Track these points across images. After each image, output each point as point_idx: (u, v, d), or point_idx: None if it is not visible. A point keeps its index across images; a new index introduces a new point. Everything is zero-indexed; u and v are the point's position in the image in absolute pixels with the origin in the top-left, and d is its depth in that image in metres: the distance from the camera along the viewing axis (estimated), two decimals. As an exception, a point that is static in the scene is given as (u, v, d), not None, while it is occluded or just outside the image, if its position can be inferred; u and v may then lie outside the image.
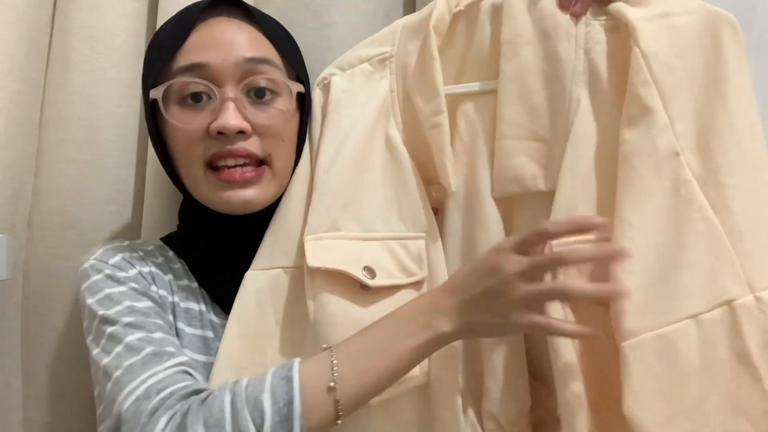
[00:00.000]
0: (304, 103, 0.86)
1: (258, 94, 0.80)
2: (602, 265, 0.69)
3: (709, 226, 0.68)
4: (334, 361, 0.67)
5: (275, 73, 0.81)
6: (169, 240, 0.89)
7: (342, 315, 0.74)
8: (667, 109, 0.69)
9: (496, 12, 0.79)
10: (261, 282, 0.81)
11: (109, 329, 0.73)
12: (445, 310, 0.69)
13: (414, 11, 1.00)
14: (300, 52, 0.89)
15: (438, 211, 0.81)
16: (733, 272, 0.67)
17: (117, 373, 0.69)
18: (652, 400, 0.65)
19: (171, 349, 0.72)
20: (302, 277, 0.78)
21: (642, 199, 0.68)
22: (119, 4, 1.02)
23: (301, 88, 0.84)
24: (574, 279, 0.70)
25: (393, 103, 0.83)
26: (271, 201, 0.82)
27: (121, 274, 0.79)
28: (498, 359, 0.76)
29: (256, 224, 0.83)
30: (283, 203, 0.83)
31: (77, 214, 1.00)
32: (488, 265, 0.68)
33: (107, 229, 1.01)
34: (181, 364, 0.70)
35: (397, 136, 0.81)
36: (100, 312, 0.74)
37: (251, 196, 0.80)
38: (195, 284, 0.85)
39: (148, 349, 0.70)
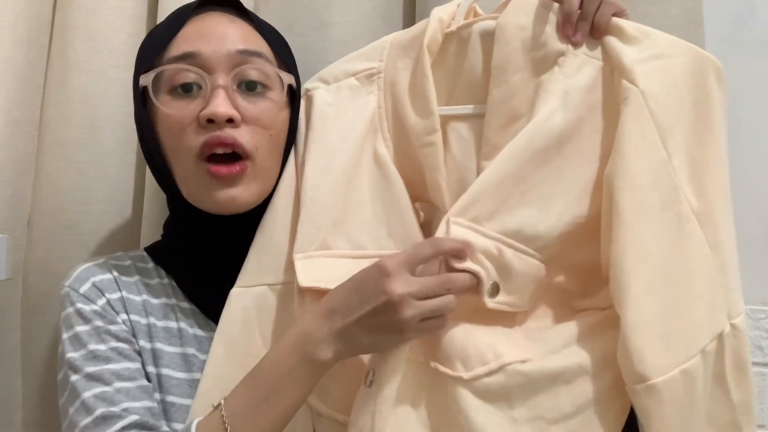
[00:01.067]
0: (294, 100, 0.86)
1: (249, 87, 0.80)
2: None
3: (709, 262, 0.71)
4: (225, 419, 0.68)
5: (267, 66, 0.81)
6: (152, 250, 0.88)
7: None
8: (666, 145, 0.71)
9: (488, 36, 0.79)
10: (247, 300, 0.80)
11: (72, 378, 0.76)
12: (324, 337, 0.68)
13: (413, 12, 1.00)
14: (291, 51, 0.89)
15: (424, 228, 0.80)
16: (723, 306, 0.71)
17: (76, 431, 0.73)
18: None
19: (125, 404, 0.73)
20: (289, 293, 0.77)
21: (655, 231, 0.69)
22: (119, 4, 1.02)
23: (292, 79, 0.84)
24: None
25: (381, 119, 0.82)
26: (257, 202, 0.81)
27: (88, 309, 0.79)
28: None
29: (241, 229, 0.82)
30: (268, 217, 0.82)
31: (77, 214, 1.00)
32: (373, 285, 0.67)
33: (107, 229, 1.01)
34: (128, 426, 0.71)
35: (385, 153, 0.81)
36: (68, 355, 0.77)
37: (236, 194, 0.79)
38: (173, 300, 0.84)
39: (99, 411, 0.72)
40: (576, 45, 0.74)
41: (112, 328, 0.79)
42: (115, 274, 0.83)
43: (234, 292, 0.80)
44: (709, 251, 0.71)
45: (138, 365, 0.78)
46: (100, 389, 0.74)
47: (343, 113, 0.83)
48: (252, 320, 0.80)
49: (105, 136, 1.01)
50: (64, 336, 0.79)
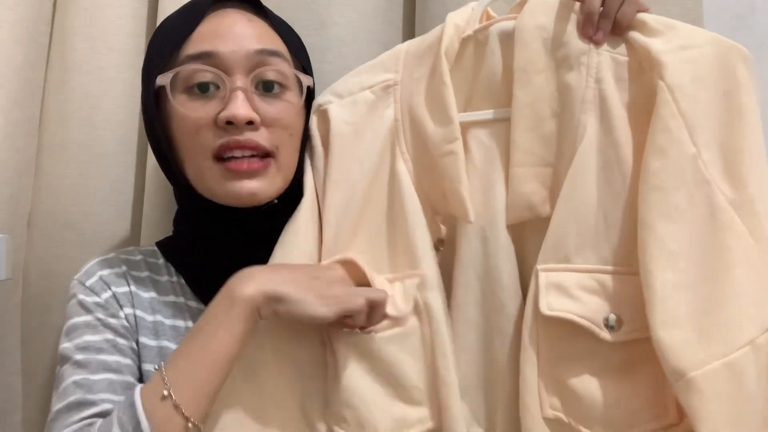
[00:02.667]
0: (311, 99, 0.85)
1: (267, 87, 0.79)
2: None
3: (752, 253, 0.69)
4: (164, 372, 0.68)
5: (285, 66, 0.80)
6: (163, 246, 0.88)
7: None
8: (694, 139, 0.69)
9: (507, 37, 0.77)
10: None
11: (62, 367, 0.76)
12: (249, 277, 0.70)
13: (413, 12, 1.00)
14: (305, 48, 0.89)
15: (444, 242, 0.79)
16: None
17: (49, 417, 0.73)
18: (724, 429, 0.65)
19: (103, 395, 0.73)
20: None
21: (682, 229, 0.68)
22: (119, 4, 1.02)
23: (310, 81, 0.83)
24: None
25: (398, 133, 0.80)
26: (275, 195, 0.81)
27: (90, 300, 0.79)
28: (513, 391, 0.74)
29: (254, 224, 0.81)
30: (289, 233, 0.80)
31: (77, 214, 1.00)
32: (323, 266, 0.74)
33: (107, 229, 1.01)
34: (96, 414, 0.71)
35: (403, 169, 0.79)
36: (62, 345, 0.78)
37: (257, 187, 0.78)
38: (181, 299, 0.83)
39: (74, 397, 0.72)
40: (598, 44, 0.73)
41: (112, 321, 0.78)
42: (125, 269, 0.83)
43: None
44: (753, 242, 0.69)
45: (129, 361, 0.77)
46: (82, 376, 0.74)
47: (362, 135, 0.81)
48: (263, 335, 0.76)
49: (105, 136, 1.01)
50: (66, 325, 0.79)
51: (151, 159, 1.00)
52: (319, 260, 0.80)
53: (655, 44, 0.71)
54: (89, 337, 0.77)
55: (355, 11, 0.97)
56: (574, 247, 0.72)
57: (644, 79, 0.72)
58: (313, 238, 0.81)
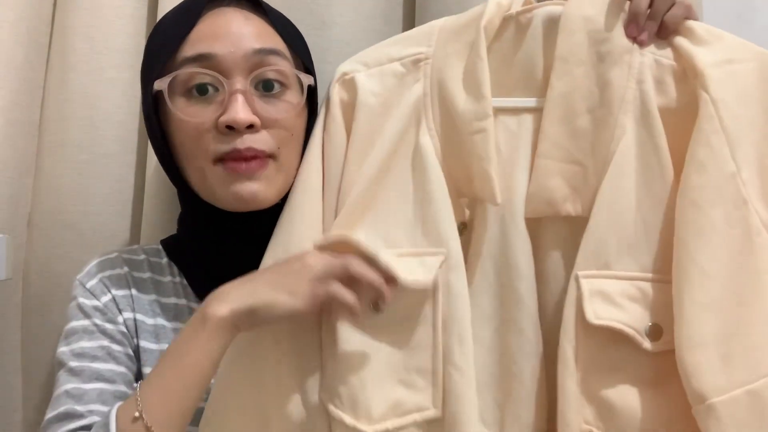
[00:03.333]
0: (312, 97, 0.84)
1: (267, 87, 0.78)
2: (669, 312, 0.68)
3: None
4: (138, 393, 0.68)
5: (284, 65, 0.79)
6: (167, 245, 0.88)
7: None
8: (735, 156, 0.68)
9: (551, 23, 0.75)
10: None
11: (58, 372, 0.77)
12: (222, 296, 0.68)
13: (413, 12, 1.00)
14: (306, 44, 0.88)
15: (467, 226, 0.77)
16: None
17: (42, 425, 0.74)
18: None
19: (92, 406, 0.73)
20: None
21: (716, 248, 0.67)
22: (119, 4, 1.02)
23: (311, 80, 0.82)
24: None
25: (426, 108, 0.77)
26: (277, 199, 0.79)
27: (90, 304, 0.79)
28: (523, 390, 0.73)
29: (258, 228, 0.80)
30: (286, 216, 0.78)
31: (77, 214, 1.00)
32: (289, 259, 0.71)
33: (107, 229, 1.01)
34: (82, 427, 0.71)
35: (428, 143, 0.75)
36: (59, 349, 0.78)
37: (257, 189, 0.77)
38: (183, 301, 0.83)
39: (63, 408, 0.73)
40: (642, 45, 0.72)
41: (109, 326, 0.78)
42: (127, 270, 0.83)
43: None
44: None
45: (123, 369, 0.77)
46: (74, 385, 0.74)
47: (389, 107, 0.78)
48: (262, 337, 0.74)
49: (105, 136, 1.01)
50: (66, 327, 0.79)
51: (151, 159, 1.00)
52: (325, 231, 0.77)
53: (701, 54, 0.69)
54: (85, 344, 0.77)
55: (355, 11, 0.97)
56: (614, 253, 0.70)
57: (686, 87, 0.70)
58: (315, 215, 0.78)
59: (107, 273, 0.82)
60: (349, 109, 0.79)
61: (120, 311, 0.80)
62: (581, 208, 0.73)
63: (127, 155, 1.02)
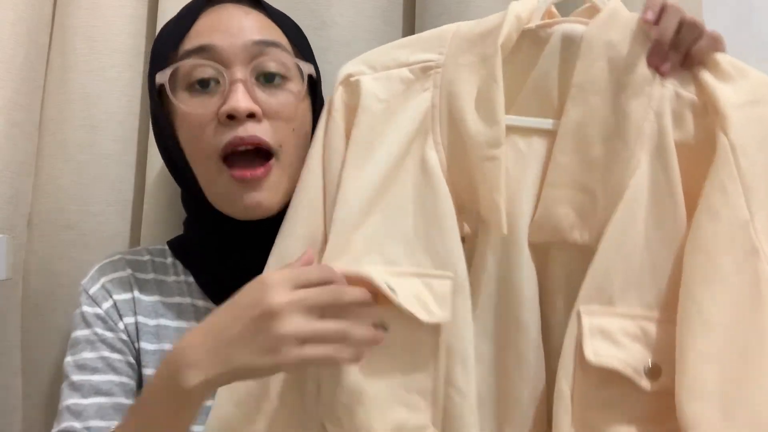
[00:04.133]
0: (314, 90, 0.84)
1: (268, 79, 0.78)
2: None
3: None
4: None
5: (285, 56, 0.79)
6: (173, 245, 0.88)
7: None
8: (749, 204, 0.66)
9: (571, 43, 0.72)
10: None
11: (63, 383, 0.79)
12: (193, 361, 0.61)
13: (413, 12, 1.00)
14: (308, 40, 0.88)
15: (465, 240, 0.73)
16: None
17: None
18: None
19: (91, 422, 0.75)
20: None
21: (723, 298, 0.65)
22: (119, 4, 1.02)
23: (311, 69, 0.82)
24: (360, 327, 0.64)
25: (434, 120, 0.73)
26: (283, 204, 0.78)
27: (92, 312, 0.80)
28: (522, 415, 0.72)
29: (266, 233, 0.78)
30: (287, 225, 0.75)
31: (77, 214, 1.00)
32: (251, 298, 0.61)
33: (107, 229, 1.00)
34: None
35: (434, 158, 0.72)
36: (66, 358, 0.80)
37: (262, 198, 0.77)
38: (188, 299, 0.83)
39: (64, 425, 0.75)
40: (663, 75, 0.69)
41: (109, 335, 0.79)
42: (130, 272, 0.83)
43: None
44: None
45: (124, 379, 0.78)
46: (75, 401, 0.76)
47: (394, 115, 0.74)
48: None
49: (105, 136, 1.01)
50: (71, 335, 0.81)
51: (152, 159, 1.00)
52: (324, 242, 0.73)
53: (725, 93, 0.67)
54: (87, 354, 0.78)
55: (355, 11, 0.97)
56: (619, 288, 0.68)
57: (706, 123, 0.68)
58: (314, 226, 0.74)
59: (110, 277, 0.82)
60: (352, 113, 0.76)
61: (121, 317, 0.80)
62: (588, 237, 0.71)
63: (127, 155, 1.02)
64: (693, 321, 0.64)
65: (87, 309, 0.81)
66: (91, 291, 0.81)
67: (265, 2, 0.85)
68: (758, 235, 0.66)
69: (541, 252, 0.73)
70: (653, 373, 0.67)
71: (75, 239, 1.00)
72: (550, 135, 0.72)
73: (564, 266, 0.73)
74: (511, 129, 0.72)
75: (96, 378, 0.77)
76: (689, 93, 0.69)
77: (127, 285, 0.82)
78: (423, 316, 0.69)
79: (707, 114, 0.68)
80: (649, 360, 0.67)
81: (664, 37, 0.68)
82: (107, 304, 0.80)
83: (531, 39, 0.74)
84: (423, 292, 0.70)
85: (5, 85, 0.96)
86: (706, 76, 0.69)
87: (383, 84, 0.75)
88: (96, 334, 0.79)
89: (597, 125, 0.70)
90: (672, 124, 0.69)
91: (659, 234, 0.69)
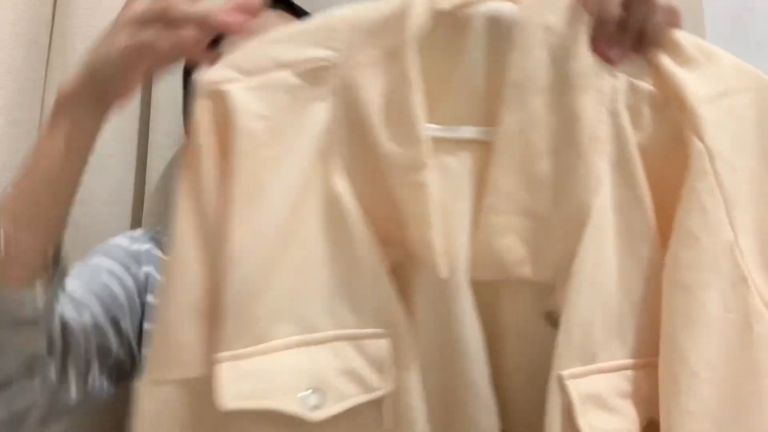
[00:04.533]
0: None
1: None
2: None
3: None
4: None
5: None
6: None
7: None
8: (732, 220, 0.54)
9: (498, 29, 0.56)
10: (153, 405, 0.54)
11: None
12: (68, 85, 0.67)
13: (414, 11, 0.99)
14: None
15: (391, 276, 0.57)
16: None
17: None
18: None
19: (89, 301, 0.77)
20: (209, 393, 0.52)
21: (709, 343, 0.53)
22: (119, 4, 1.01)
23: None
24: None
25: (337, 138, 0.56)
26: None
27: (127, 246, 0.86)
28: None
29: None
30: (171, 277, 0.56)
31: (77, 214, 0.99)
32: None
33: (107, 229, 1.00)
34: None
35: (343, 187, 0.55)
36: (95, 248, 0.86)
37: None
38: None
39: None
40: (613, 63, 0.55)
41: (129, 270, 0.83)
42: (152, 234, 0.90)
43: (139, 389, 0.55)
44: None
45: (123, 293, 0.81)
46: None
47: (281, 136, 0.55)
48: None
49: (105, 136, 1.00)
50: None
51: (152, 159, 1.00)
52: (213, 315, 0.54)
53: (691, 84, 0.54)
54: (102, 257, 0.83)
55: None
56: (601, 340, 0.55)
57: (668, 119, 0.56)
58: (198, 282, 0.55)
59: (152, 234, 0.90)
60: (223, 134, 0.55)
61: (143, 264, 0.85)
62: (544, 273, 0.56)
63: (127, 155, 1.02)
64: (677, 374, 0.53)
65: (125, 240, 0.86)
66: (135, 234, 0.88)
67: (300, 8, 0.87)
68: (744, 257, 0.54)
69: (486, 292, 0.58)
70: (651, 428, 0.55)
71: (75, 239, 1.00)
72: (486, 146, 0.57)
73: (516, 309, 0.60)
74: (436, 142, 0.55)
75: (99, 279, 0.80)
76: (645, 84, 0.56)
77: (150, 240, 0.88)
78: (359, 398, 0.54)
79: (669, 108, 0.55)
80: (644, 416, 0.56)
81: (607, 15, 0.53)
82: (144, 246, 0.86)
83: (449, 24, 0.57)
84: (354, 360, 0.55)
85: (5, 85, 0.96)
86: (666, 61, 0.55)
87: (261, 95, 0.56)
88: (121, 257, 0.83)
89: (541, 133, 0.55)
90: (630, 124, 0.55)
91: (633, 263, 0.56)
